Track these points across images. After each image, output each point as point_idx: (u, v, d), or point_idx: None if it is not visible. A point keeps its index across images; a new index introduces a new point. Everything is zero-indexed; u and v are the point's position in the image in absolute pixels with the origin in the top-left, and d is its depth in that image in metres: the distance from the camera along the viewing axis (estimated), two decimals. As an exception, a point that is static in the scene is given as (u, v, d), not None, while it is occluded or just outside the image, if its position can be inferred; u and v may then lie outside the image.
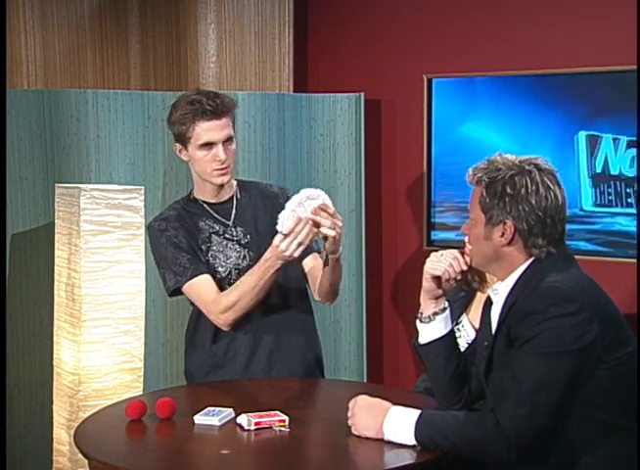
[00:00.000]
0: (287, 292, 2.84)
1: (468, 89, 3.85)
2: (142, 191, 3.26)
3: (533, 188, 2.12)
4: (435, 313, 2.39)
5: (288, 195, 2.87)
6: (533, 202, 2.11)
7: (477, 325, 2.83)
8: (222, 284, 2.76)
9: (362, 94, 4.01)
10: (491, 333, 2.24)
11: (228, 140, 2.75)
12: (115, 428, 2.32)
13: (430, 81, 3.94)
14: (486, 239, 2.18)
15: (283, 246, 2.52)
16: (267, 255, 2.58)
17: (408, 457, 2.08)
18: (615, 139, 3.54)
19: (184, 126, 2.72)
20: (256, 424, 2.26)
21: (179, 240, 2.77)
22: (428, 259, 2.39)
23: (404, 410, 2.16)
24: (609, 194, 3.59)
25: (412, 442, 2.10)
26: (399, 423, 2.13)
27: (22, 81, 3.73)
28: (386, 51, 4.09)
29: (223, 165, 2.74)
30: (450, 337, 2.41)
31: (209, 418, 2.31)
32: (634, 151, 3.48)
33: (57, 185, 3.37)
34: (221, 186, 2.81)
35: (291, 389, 2.62)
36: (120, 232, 3.19)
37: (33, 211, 3.55)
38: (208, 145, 2.72)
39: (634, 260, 3.47)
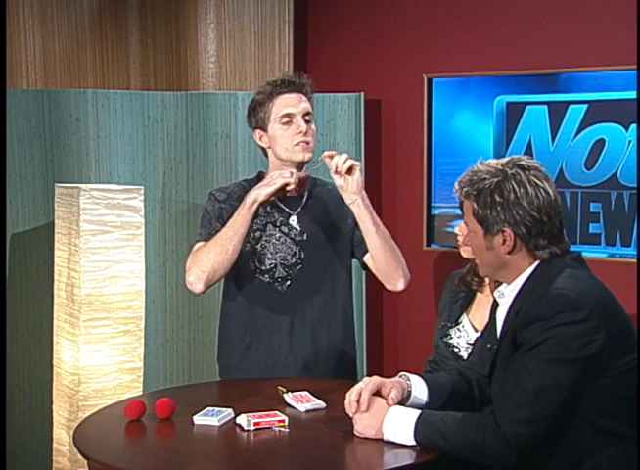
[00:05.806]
0: (333, 296, 2.85)
1: (468, 89, 3.85)
2: (142, 191, 3.26)
3: (522, 191, 2.09)
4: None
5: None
6: (525, 204, 2.09)
7: (477, 325, 2.83)
8: (264, 276, 2.76)
9: (362, 94, 4.00)
10: (497, 335, 2.23)
11: (308, 115, 2.75)
12: (115, 428, 2.32)
13: (430, 81, 3.94)
14: (489, 249, 2.17)
15: None
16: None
17: (407, 457, 2.08)
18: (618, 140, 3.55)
19: (264, 105, 2.73)
20: (256, 424, 2.25)
21: (228, 216, 2.74)
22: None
23: (404, 410, 2.15)
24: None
25: (411, 442, 2.10)
26: (399, 423, 2.12)
27: (21, 81, 3.73)
28: (385, 51, 4.09)
29: (306, 138, 2.72)
30: (434, 399, 2.28)
31: (209, 418, 2.31)
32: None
33: (57, 185, 3.37)
34: (302, 164, 2.76)
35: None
36: (120, 232, 3.19)
37: (33, 210, 3.55)
38: (288, 118, 2.72)
39: (634, 260, 3.47)
